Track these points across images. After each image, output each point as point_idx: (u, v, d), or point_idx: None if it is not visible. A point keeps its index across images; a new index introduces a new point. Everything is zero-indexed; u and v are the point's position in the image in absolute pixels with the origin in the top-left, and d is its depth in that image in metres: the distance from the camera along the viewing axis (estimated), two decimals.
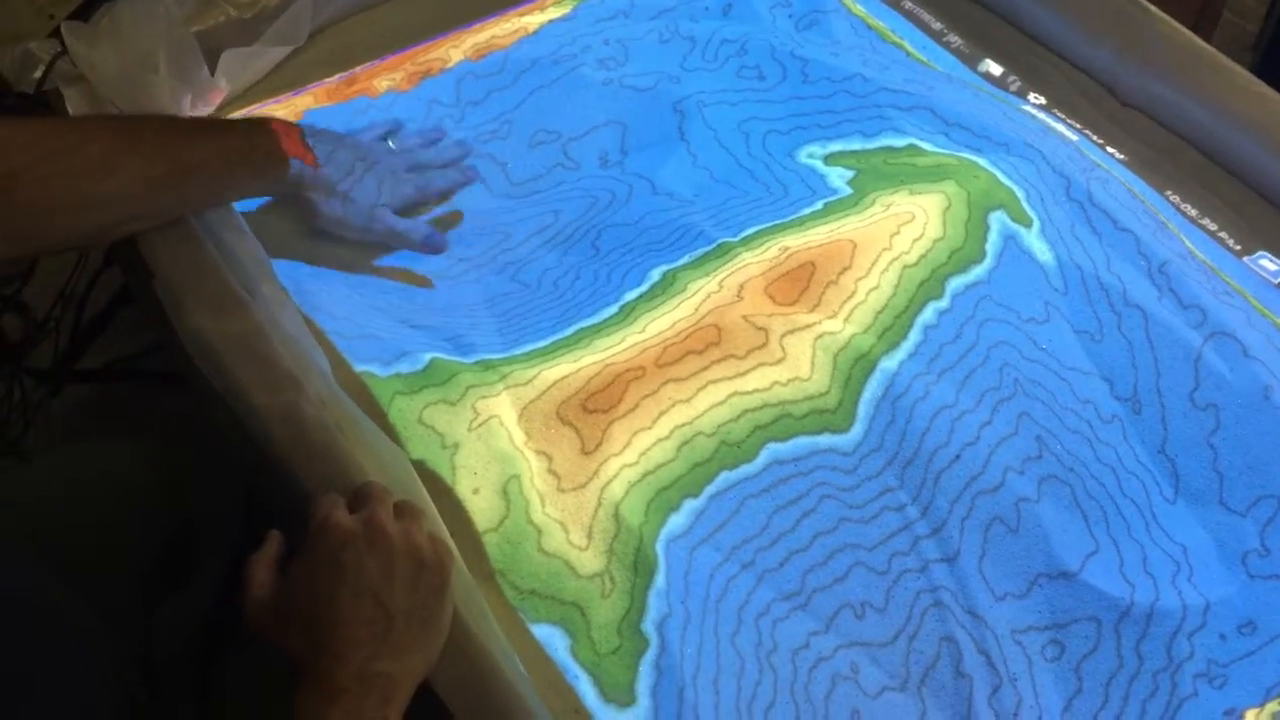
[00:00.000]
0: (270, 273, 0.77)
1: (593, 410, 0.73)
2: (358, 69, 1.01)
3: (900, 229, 0.83)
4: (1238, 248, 0.94)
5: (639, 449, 0.72)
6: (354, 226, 0.85)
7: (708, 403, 0.74)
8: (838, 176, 0.90)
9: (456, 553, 0.66)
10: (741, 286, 0.79)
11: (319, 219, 0.84)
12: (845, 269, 0.81)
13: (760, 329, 0.77)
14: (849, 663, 0.71)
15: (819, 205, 0.87)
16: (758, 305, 0.79)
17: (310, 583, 0.59)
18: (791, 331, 0.77)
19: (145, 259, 0.74)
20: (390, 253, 0.88)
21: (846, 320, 0.79)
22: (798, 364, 0.76)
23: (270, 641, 0.58)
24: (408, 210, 0.89)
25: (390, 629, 0.58)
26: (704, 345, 0.76)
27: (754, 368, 0.76)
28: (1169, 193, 0.97)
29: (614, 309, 0.80)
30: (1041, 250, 0.86)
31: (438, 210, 0.92)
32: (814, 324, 0.78)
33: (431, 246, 0.87)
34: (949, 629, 0.72)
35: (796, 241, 0.83)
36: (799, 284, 0.80)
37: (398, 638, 0.58)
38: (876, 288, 0.80)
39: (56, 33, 0.85)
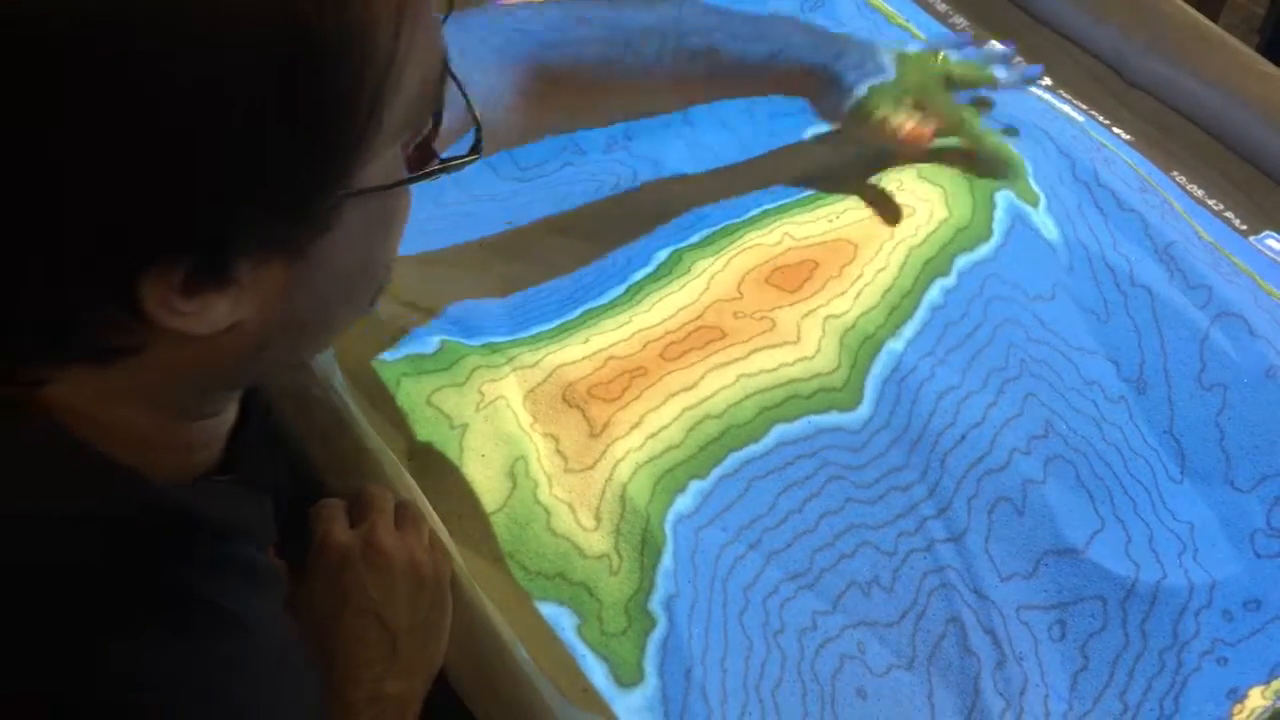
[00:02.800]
0: None
1: (598, 396, 0.73)
2: None
3: (905, 205, 0.83)
4: (1244, 228, 0.94)
5: (646, 431, 0.72)
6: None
7: (715, 385, 0.74)
8: None
9: (461, 543, 0.66)
10: (742, 280, 0.79)
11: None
12: (848, 263, 0.81)
13: (765, 317, 0.77)
14: (856, 642, 0.72)
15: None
16: (760, 300, 0.79)
17: (313, 603, 0.58)
18: (798, 313, 0.78)
19: None
20: None
21: (854, 299, 0.79)
22: (805, 344, 0.77)
23: None
24: None
25: (395, 649, 0.57)
26: (705, 343, 0.76)
27: (761, 348, 0.76)
28: (1175, 173, 0.97)
29: (620, 290, 0.80)
30: (1048, 228, 0.85)
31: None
32: (820, 306, 0.78)
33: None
34: (955, 608, 0.73)
35: (800, 228, 0.82)
36: (801, 276, 0.80)
37: (404, 657, 0.58)
38: (884, 268, 0.80)
39: None
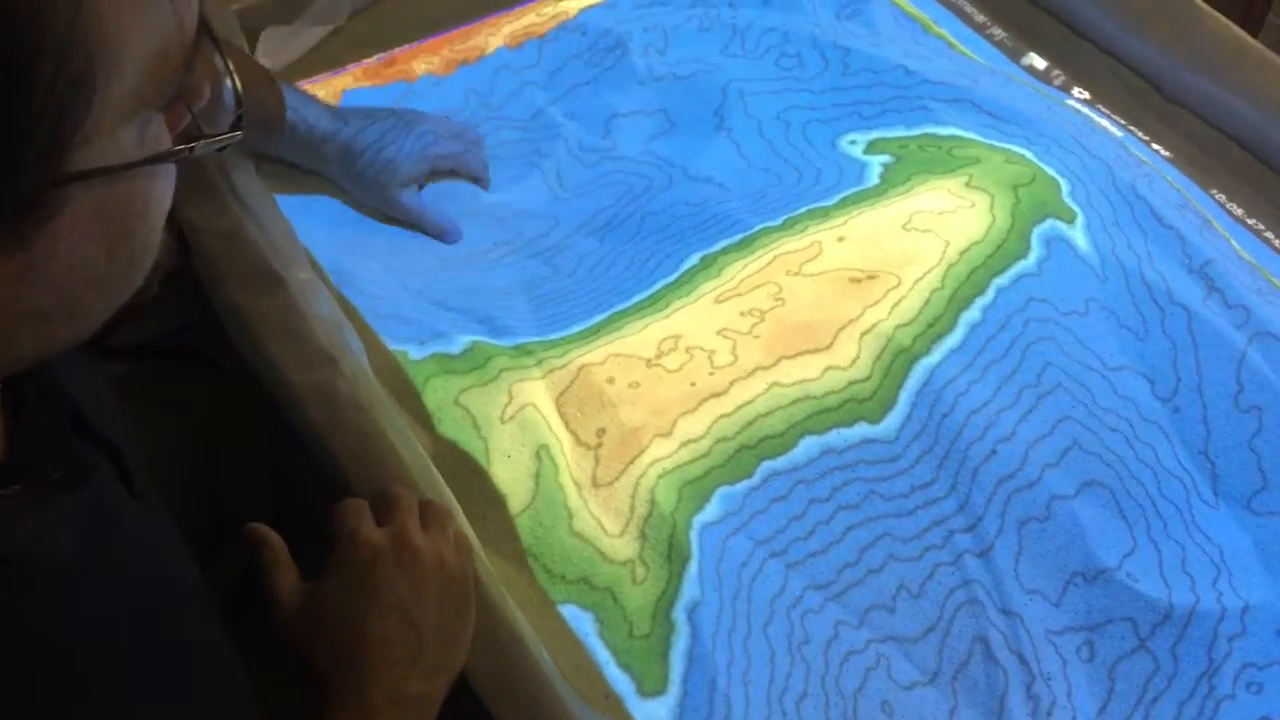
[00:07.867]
0: (303, 255, 0.77)
1: (630, 399, 0.72)
2: (396, 50, 1.01)
3: (942, 217, 0.82)
4: None
5: (678, 437, 0.71)
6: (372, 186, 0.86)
7: (747, 394, 0.73)
8: (878, 165, 0.90)
9: (484, 543, 0.66)
10: (776, 285, 0.79)
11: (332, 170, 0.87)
12: (886, 274, 0.80)
13: (799, 324, 0.77)
14: (881, 656, 0.70)
15: (853, 191, 0.87)
16: (795, 307, 0.78)
17: (340, 600, 0.58)
18: (834, 324, 0.77)
19: (183, 234, 0.74)
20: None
21: (890, 311, 0.78)
22: (838, 355, 0.76)
23: (298, 653, 0.57)
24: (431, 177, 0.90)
25: (421, 649, 0.57)
26: (738, 347, 0.76)
27: (794, 355, 0.75)
28: (1214, 191, 0.96)
29: (649, 293, 0.80)
30: (1085, 246, 0.84)
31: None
32: (857, 317, 0.77)
33: (446, 237, 0.88)
34: (982, 625, 0.72)
35: (834, 235, 0.82)
36: (837, 284, 0.79)
37: (428, 658, 0.57)
38: (921, 279, 0.79)
39: None
